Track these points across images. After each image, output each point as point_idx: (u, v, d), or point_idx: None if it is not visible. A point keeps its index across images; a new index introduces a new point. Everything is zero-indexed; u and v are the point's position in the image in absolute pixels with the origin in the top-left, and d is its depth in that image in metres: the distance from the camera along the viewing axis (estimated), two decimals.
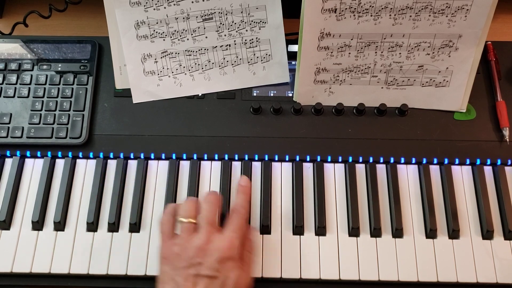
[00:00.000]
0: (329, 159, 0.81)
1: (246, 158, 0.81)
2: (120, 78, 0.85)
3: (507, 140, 0.81)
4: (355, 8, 0.76)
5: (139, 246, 0.75)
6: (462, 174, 0.80)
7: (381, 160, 0.81)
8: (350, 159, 0.80)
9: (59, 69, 0.85)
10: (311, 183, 0.80)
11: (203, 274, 0.64)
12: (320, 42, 0.79)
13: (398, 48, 0.80)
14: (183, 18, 0.82)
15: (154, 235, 0.76)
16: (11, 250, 0.75)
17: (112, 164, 0.81)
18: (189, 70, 0.85)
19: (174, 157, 0.81)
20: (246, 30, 0.83)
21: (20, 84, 0.84)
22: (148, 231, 0.76)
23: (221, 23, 0.82)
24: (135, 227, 0.76)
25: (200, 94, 0.85)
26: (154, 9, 0.81)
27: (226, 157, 0.81)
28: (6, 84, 0.84)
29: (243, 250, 0.69)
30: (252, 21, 0.83)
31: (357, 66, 0.81)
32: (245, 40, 0.84)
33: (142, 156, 0.81)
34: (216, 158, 0.81)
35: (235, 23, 0.83)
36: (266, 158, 0.81)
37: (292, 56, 0.84)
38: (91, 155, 0.81)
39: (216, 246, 0.66)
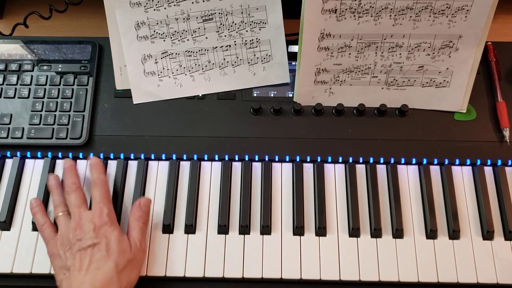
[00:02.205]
0: (329, 160, 0.81)
1: (247, 159, 0.81)
2: (121, 79, 0.85)
3: (507, 140, 0.81)
4: (355, 9, 0.76)
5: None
6: (462, 175, 0.80)
7: (382, 161, 0.81)
8: (351, 160, 0.80)
9: (60, 69, 0.85)
10: (312, 183, 0.80)
11: (85, 246, 0.68)
12: (320, 43, 0.79)
13: (398, 49, 0.80)
14: (183, 18, 0.82)
15: (154, 236, 0.76)
16: (11, 250, 0.75)
17: (112, 165, 0.81)
18: (189, 70, 0.85)
19: (174, 157, 0.81)
20: (246, 31, 0.83)
21: (20, 84, 0.84)
22: (148, 231, 0.76)
23: (221, 24, 0.83)
24: None
25: (200, 95, 0.85)
26: (154, 9, 0.81)
27: (227, 158, 0.81)
28: (7, 84, 0.84)
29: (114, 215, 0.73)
30: (252, 21, 0.83)
31: (358, 66, 0.81)
32: (245, 40, 0.84)
33: (142, 157, 0.81)
34: (217, 158, 0.81)
35: (235, 24, 0.83)
36: (267, 159, 0.81)
37: (292, 56, 0.84)
38: (91, 155, 0.81)
39: (86, 219, 0.70)
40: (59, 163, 0.81)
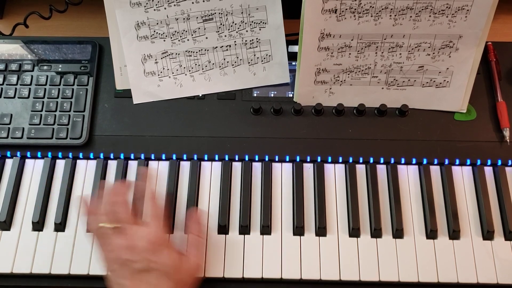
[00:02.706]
0: (329, 160, 0.81)
1: (247, 159, 0.81)
2: (121, 79, 0.85)
3: (508, 140, 0.81)
4: (355, 9, 0.76)
5: None
6: (462, 175, 0.80)
7: (382, 161, 0.81)
8: (351, 160, 0.80)
9: (60, 69, 0.85)
10: (312, 183, 0.80)
11: (138, 268, 0.64)
12: (321, 43, 0.79)
13: (398, 49, 0.80)
14: (184, 18, 0.82)
15: None
16: (12, 250, 0.75)
17: (112, 165, 0.81)
18: (190, 70, 0.85)
19: (174, 157, 0.81)
20: (247, 31, 0.83)
21: (20, 84, 0.84)
22: None
23: (221, 24, 0.83)
24: None
25: (200, 95, 0.85)
26: (154, 9, 0.81)
27: (227, 158, 0.81)
28: (7, 84, 0.84)
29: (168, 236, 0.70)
30: (252, 21, 0.83)
31: (358, 66, 0.81)
32: (246, 40, 0.84)
33: (142, 157, 0.81)
34: (217, 158, 0.81)
35: (236, 24, 0.83)
36: (267, 159, 0.81)
37: (292, 56, 0.84)
38: (91, 155, 0.81)
39: (138, 238, 0.65)
40: (59, 163, 0.81)
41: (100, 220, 0.68)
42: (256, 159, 0.81)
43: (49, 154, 0.81)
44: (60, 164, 0.81)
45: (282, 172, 0.80)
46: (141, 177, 0.75)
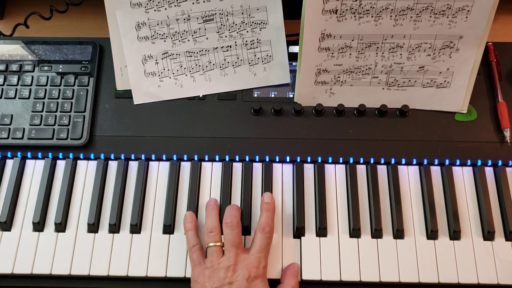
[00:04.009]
0: (330, 160, 0.81)
1: (247, 159, 0.81)
2: (121, 79, 0.85)
3: (508, 141, 0.81)
4: (355, 9, 0.76)
5: (140, 247, 0.75)
6: (463, 175, 0.80)
7: (382, 161, 0.81)
8: (351, 160, 0.80)
9: (60, 70, 0.85)
10: (312, 184, 0.80)
11: None
12: (321, 43, 0.79)
13: (399, 49, 0.80)
14: (184, 19, 0.82)
15: (155, 236, 0.76)
16: (12, 251, 0.75)
17: (113, 165, 0.81)
18: (190, 71, 0.85)
19: (175, 158, 0.81)
20: (247, 31, 0.83)
21: (21, 85, 0.84)
22: (149, 232, 0.76)
23: (221, 24, 0.83)
24: (136, 228, 0.76)
25: (200, 95, 0.85)
26: (155, 10, 0.81)
27: (227, 158, 0.81)
28: (7, 85, 0.84)
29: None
30: (252, 22, 0.83)
31: (358, 67, 0.81)
32: (246, 41, 0.84)
33: (143, 157, 0.81)
34: (217, 159, 0.81)
35: (236, 24, 0.83)
36: (267, 159, 0.81)
37: (293, 57, 0.84)
38: (92, 156, 0.81)
39: (243, 266, 0.68)
40: (60, 164, 0.81)
41: (211, 238, 0.71)
42: (257, 159, 0.81)
43: (50, 155, 0.81)
44: (61, 165, 0.81)
45: (283, 172, 0.80)
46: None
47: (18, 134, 0.81)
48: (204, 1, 0.81)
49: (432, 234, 0.75)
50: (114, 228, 0.76)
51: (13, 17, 1.03)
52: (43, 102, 0.83)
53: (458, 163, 0.80)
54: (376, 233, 0.76)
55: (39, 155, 0.81)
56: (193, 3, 0.81)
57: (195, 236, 0.73)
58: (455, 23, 0.77)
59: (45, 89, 0.84)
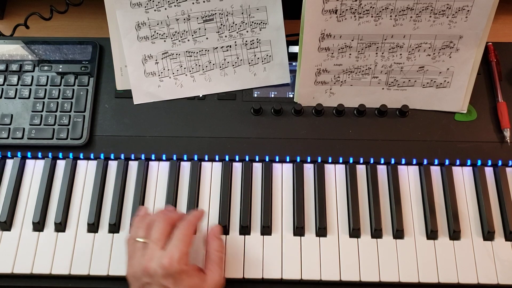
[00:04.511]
0: (330, 160, 0.81)
1: (247, 159, 0.81)
2: (121, 79, 0.85)
3: (508, 141, 0.81)
4: (355, 9, 0.76)
5: None
6: (463, 175, 0.80)
7: (382, 161, 0.81)
8: (351, 160, 0.80)
9: (60, 70, 0.85)
10: (312, 184, 0.80)
11: None
12: (321, 43, 0.79)
13: (398, 49, 0.80)
14: (184, 19, 0.82)
15: None
16: (12, 251, 0.75)
17: (113, 165, 0.81)
18: (190, 71, 0.85)
19: (175, 158, 0.81)
20: (247, 31, 0.83)
21: (21, 85, 0.84)
22: None
23: (221, 24, 0.83)
24: None
25: (200, 95, 0.85)
26: (154, 10, 0.81)
27: (227, 158, 0.81)
28: (7, 85, 0.84)
29: (187, 258, 0.67)
30: (252, 22, 0.83)
31: (358, 67, 0.81)
32: (246, 41, 0.84)
33: (143, 157, 0.81)
34: (217, 159, 0.81)
35: (236, 24, 0.83)
36: (267, 159, 0.81)
37: (292, 57, 0.84)
38: (92, 156, 0.81)
39: (157, 264, 0.64)
40: (60, 164, 0.81)
41: (137, 232, 0.69)
42: (257, 159, 0.81)
43: (50, 155, 0.81)
44: (61, 165, 0.81)
45: (283, 172, 0.80)
46: (195, 215, 0.72)
47: (18, 134, 0.81)
48: (204, 1, 0.81)
49: (432, 234, 0.75)
50: (114, 228, 0.76)
51: (13, 17, 1.03)
52: (43, 102, 0.83)
53: (458, 163, 0.80)
54: (376, 233, 0.76)
55: (39, 155, 0.81)
56: (193, 3, 0.81)
57: (136, 231, 0.69)
58: (455, 23, 0.77)
59: (45, 89, 0.84)
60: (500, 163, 0.80)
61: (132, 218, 0.74)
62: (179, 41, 0.83)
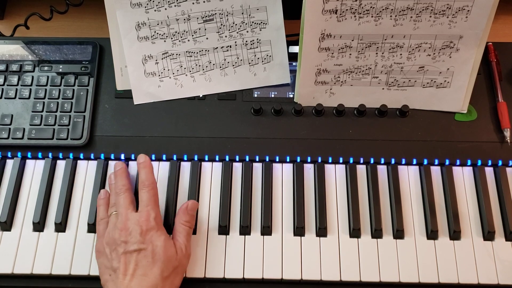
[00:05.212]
0: (330, 160, 0.81)
1: (247, 159, 0.81)
2: (121, 79, 0.85)
3: (508, 141, 0.81)
4: (355, 9, 0.76)
5: None
6: (463, 175, 0.80)
7: (382, 161, 0.81)
8: (351, 160, 0.80)
9: (60, 70, 0.85)
10: (312, 184, 0.79)
11: (130, 249, 0.68)
12: (321, 43, 0.79)
13: (399, 49, 0.80)
14: (184, 19, 0.82)
15: None
16: (12, 251, 0.75)
17: (113, 165, 0.81)
18: (190, 71, 0.85)
19: (175, 158, 0.81)
20: (247, 31, 0.83)
21: (21, 85, 0.84)
22: None
23: (221, 24, 0.83)
24: None
25: (200, 95, 0.85)
26: (155, 10, 0.81)
27: (227, 158, 0.81)
28: (7, 85, 0.84)
29: (161, 219, 0.72)
30: (253, 22, 0.83)
31: (358, 67, 0.81)
32: (246, 41, 0.84)
33: None
34: (217, 159, 0.81)
35: (236, 24, 0.83)
36: (267, 159, 0.81)
37: (293, 57, 0.84)
38: (92, 156, 0.81)
39: (134, 222, 0.70)
40: (60, 164, 0.81)
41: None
42: (257, 159, 0.81)
43: (50, 155, 0.81)
44: (61, 165, 0.81)
45: (283, 172, 0.80)
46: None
47: (18, 134, 0.81)
48: (204, 1, 0.81)
49: (432, 234, 0.75)
50: None
51: (13, 17, 1.03)
52: (43, 102, 0.83)
53: (458, 163, 0.80)
54: (376, 233, 0.75)
55: (39, 155, 0.81)
56: (193, 3, 0.81)
57: (105, 211, 0.74)
58: (455, 23, 0.77)
59: (45, 89, 0.84)
60: (500, 163, 0.80)
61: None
62: (179, 41, 0.83)
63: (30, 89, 0.84)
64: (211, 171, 0.81)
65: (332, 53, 0.80)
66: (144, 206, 0.72)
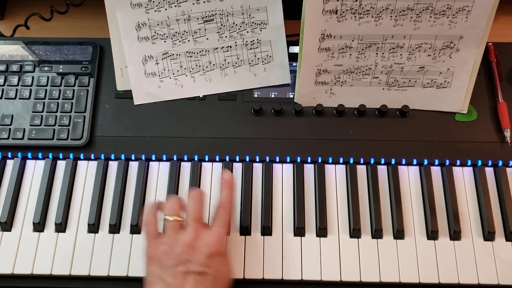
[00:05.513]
0: (330, 161, 0.81)
1: (247, 160, 0.81)
2: (121, 80, 0.85)
3: (508, 141, 0.81)
4: (356, 10, 0.76)
5: (140, 247, 0.75)
6: (463, 175, 0.80)
7: (382, 161, 0.81)
8: (351, 160, 0.80)
9: (60, 70, 0.85)
10: (312, 184, 0.80)
11: (192, 270, 0.63)
12: (321, 44, 0.79)
13: (399, 49, 0.80)
14: (184, 19, 0.82)
15: None
16: (12, 251, 0.75)
17: (113, 166, 0.81)
18: (190, 71, 0.85)
19: (175, 158, 0.81)
20: (247, 32, 0.83)
21: (21, 85, 0.84)
22: None
23: (222, 25, 0.83)
24: (136, 228, 0.76)
25: (201, 96, 0.85)
26: (155, 10, 0.81)
27: (227, 159, 0.81)
28: (8, 85, 0.84)
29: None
30: (253, 22, 0.83)
31: (358, 67, 0.81)
32: (246, 41, 0.84)
33: (143, 158, 0.81)
34: (217, 159, 0.81)
35: (236, 25, 0.83)
36: (267, 160, 0.81)
37: (293, 57, 0.84)
38: (92, 156, 0.81)
39: (204, 242, 0.64)
40: (60, 164, 0.81)
41: (173, 210, 0.67)
42: (257, 160, 0.81)
43: (50, 155, 0.81)
44: (61, 165, 0.81)
45: (283, 173, 0.80)
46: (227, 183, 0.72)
47: (18, 134, 0.81)
48: (204, 2, 0.81)
49: (432, 234, 0.75)
50: (115, 228, 0.76)
51: (13, 18, 1.03)
52: (44, 103, 0.83)
53: (458, 163, 0.80)
54: (376, 234, 0.75)
55: (40, 155, 0.81)
56: (193, 4, 0.81)
57: (152, 214, 0.69)
58: (455, 23, 0.77)
59: (46, 90, 0.84)
60: (500, 163, 0.80)
61: (167, 198, 0.71)
62: (180, 41, 0.83)
63: (30, 89, 0.84)
64: (211, 172, 0.81)
65: (332, 54, 0.80)
66: (217, 226, 0.67)
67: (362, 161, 0.81)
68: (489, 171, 0.80)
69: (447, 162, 0.80)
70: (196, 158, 0.81)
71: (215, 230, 0.66)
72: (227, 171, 0.75)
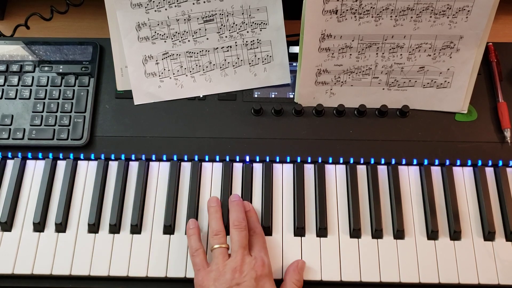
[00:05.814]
0: (330, 161, 0.81)
1: (247, 160, 0.81)
2: (121, 80, 0.85)
3: (509, 141, 0.81)
4: (356, 10, 0.76)
5: (140, 247, 0.75)
6: (463, 175, 0.80)
7: (382, 161, 0.81)
8: (351, 161, 0.80)
9: (61, 70, 0.85)
10: (312, 184, 0.79)
11: None
12: (321, 44, 0.79)
13: (399, 49, 0.80)
14: (184, 19, 0.82)
15: (156, 237, 0.76)
16: (13, 251, 0.75)
17: (113, 166, 0.81)
18: (190, 71, 0.85)
19: (175, 158, 0.81)
20: (247, 32, 0.83)
21: (21, 85, 0.84)
22: (150, 232, 0.76)
23: (222, 25, 0.83)
24: (136, 228, 0.76)
25: (201, 96, 0.85)
26: (155, 10, 0.81)
27: (227, 159, 0.81)
28: (8, 85, 0.84)
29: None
30: (253, 22, 0.83)
31: (358, 67, 0.81)
32: (246, 41, 0.84)
33: (143, 158, 0.81)
34: (217, 159, 0.81)
35: (236, 25, 0.83)
36: (267, 160, 0.81)
37: (293, 57, 0.84)
38: (92, 156, 0.81)
39: (251, 266, 0.69)
40: (60, 164, 0.81)
41: (216, 240, 0.72)
42: (257, 160, 0.81)
43: (50, 155, 0.81)
44: (61, 165, 0.81)
45: (283, 173, 0.80)
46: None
47: (18, 134, 0.81)
48: (204, 2, 0.81)
49: (432, 234, 0.75)
50: (115, 228, 0.76)
51: (13, 17, 1.03)
52: (44, 103, 0.83)
53: (458, 163, 0.80)
54: (377, 234, 0.76)
55: (40, 155, 0.81)
56: (193, 4, 0.81)
57: (198, 241, 0.73)
58: (455, 23, 0.77)
59: (46, 90, 0.84)
60: (500, 163, 0.80)
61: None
62: (180, 41, 0.83)
63: (31, 89, 0.84)
64: (212, 172, 0.81)
65: (333, 54, 0.80)
66: (258, 251, 0.71)
67: (362, 161, 0.81)
68: (489, 171, 0.80)
69: (447, 162, 0.80)
70: (196, 158, 0.81)
71: (258, 255, 0.71)
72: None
